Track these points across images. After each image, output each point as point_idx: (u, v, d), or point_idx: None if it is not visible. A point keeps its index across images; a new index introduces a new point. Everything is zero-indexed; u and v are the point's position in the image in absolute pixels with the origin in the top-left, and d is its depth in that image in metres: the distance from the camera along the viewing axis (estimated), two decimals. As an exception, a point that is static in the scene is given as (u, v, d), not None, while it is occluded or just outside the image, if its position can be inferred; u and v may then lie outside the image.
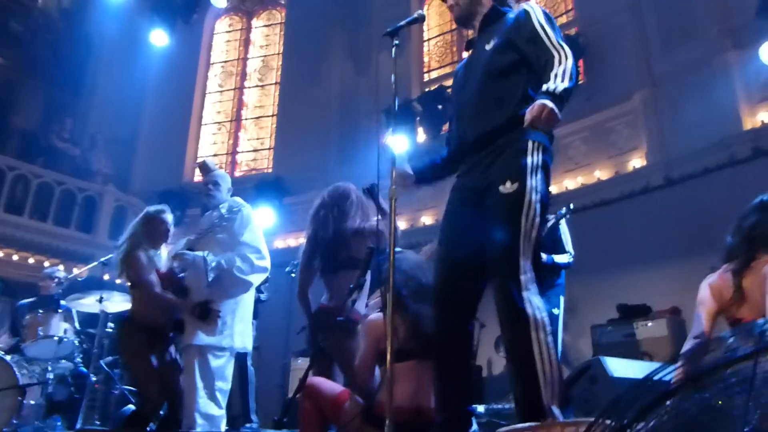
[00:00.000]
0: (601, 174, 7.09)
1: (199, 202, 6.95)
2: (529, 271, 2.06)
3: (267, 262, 3.70)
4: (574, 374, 3.39)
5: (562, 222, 4.48)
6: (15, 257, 8.80)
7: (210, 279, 3.41)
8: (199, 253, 3.48)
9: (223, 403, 3.44)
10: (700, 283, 2.60)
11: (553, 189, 7.25)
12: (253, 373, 5.12)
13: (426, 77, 9.80)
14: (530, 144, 2.18)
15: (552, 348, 2.00)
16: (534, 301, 2.02)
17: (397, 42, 2.46)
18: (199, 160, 3.60)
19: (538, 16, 2.30)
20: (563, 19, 8.56)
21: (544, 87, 2.07)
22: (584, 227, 6.38)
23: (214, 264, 3.43)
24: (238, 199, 3.86)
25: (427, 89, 9.21)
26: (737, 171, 5.94)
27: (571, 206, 4.57)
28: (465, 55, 2.72)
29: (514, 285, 2.03)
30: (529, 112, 2.03)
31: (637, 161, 6.85)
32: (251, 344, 3.71)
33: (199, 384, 3.32)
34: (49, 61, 10.79)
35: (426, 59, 9.98)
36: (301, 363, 5.72)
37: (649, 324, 4.88)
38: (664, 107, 6.77)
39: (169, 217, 3.98)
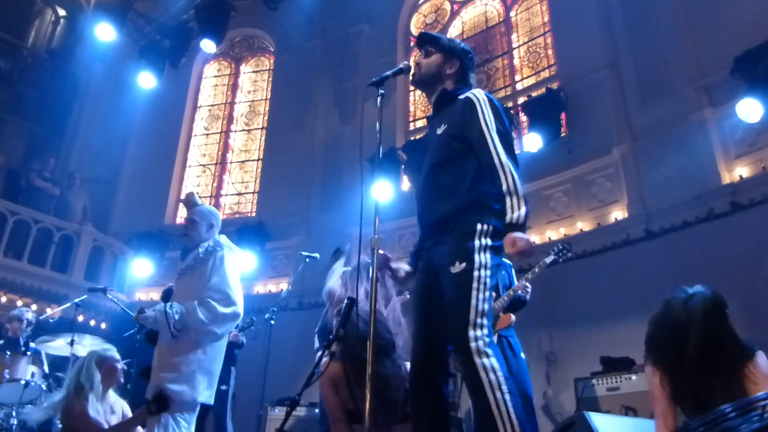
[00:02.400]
0: (583, 225, 7.14)
1: (180, 245, 6.86)
2: (481, 338, 2.16)
3: (237, 308, 3.38)
4: (556, 431, 3.30)
5: None
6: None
7: (174, 333, 3.18)
8: (160, 307, 3.25)
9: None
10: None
11: (536, 239, 7.32)
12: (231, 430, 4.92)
13: (411, 126, 9.93)
14: (479, 227, 2.30)
15: (510, 405, 2.09)
16: (487, 364, 2.12)
17: (382, 91, 2.51)
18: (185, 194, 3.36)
19: (485, 113, 2.40)
20: (545, 74, 8.80)
21: (507, 219, 2.24)
22: (567, 278, 6.40)
23: (177, 317, 3.20)
24: (222, 239, 3.60)
25: (411, 138, 9.33)
26: (716, 225, 6.03)
27: (569, 246, 4.61)
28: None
29: (466, 353, 2.15)
30: (514, 254, 2.22)
31: (618, 213, 6.92)
32: (212, 398, 3.44)
33: None
34: (34, 100, 10.80)
35: (411, 108, 10.14)
36: (278, 413, 5.54)
37: (633, 377, 4.81)
38: (643, 161, 6.89)
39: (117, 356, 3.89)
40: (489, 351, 2.15)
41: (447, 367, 2.45)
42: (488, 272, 2.26)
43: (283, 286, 8.90)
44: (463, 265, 2.24)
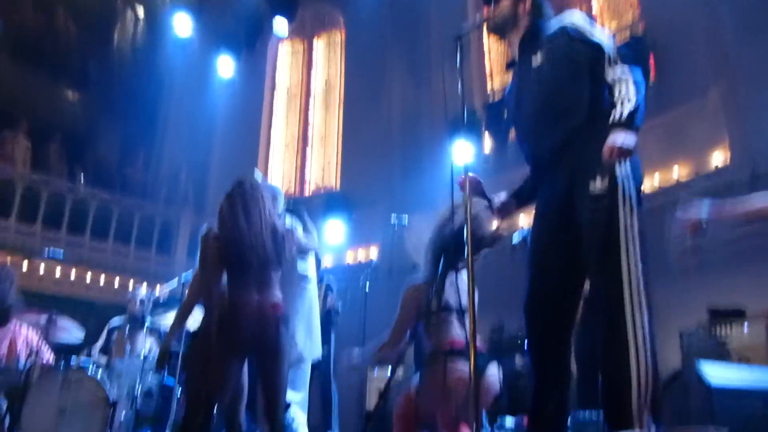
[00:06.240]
0: (680, 173, 6.76)
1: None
2: (634, 280, 1.91)
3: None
4: (664, 381, 3.21)
5: None
6: (102, 280, 9.36)
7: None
8: None
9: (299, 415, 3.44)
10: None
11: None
12: (335, 390, 5.13)
13: (489, 86, 9.71)
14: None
15: (649, 357, 1.89)
16: (638, 319, 1.89)
17: (460, 46, 2.43)
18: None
19: (589, 32, 2.22)
20: (629, 18, 8.30)
21: (611, 119, 2.00)
22: (668, 229, 6.10)
23: None
24: None
25: (490, 99, 9.15)
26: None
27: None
28: (508, 75, 2.64)
29: (616, 297, 1.91)
30: (604, 156, 1.95)
31: (718, 159, 6.50)
32: (319, 353, 3.65)
33: None
34: (123, 98, 11.43)
35: (488, 68, 9.90)
36: (378, 374, 5.69)
37: (745, 329, 4.55)
38: (744, 101, 6.40)
39: None
40: (642, 298, 1.90)
41: (575, 321, 2.17)
42: (633, 184, 2.01)
43: (372, 254, 9.07)
44: (605, 181, 1.98)
